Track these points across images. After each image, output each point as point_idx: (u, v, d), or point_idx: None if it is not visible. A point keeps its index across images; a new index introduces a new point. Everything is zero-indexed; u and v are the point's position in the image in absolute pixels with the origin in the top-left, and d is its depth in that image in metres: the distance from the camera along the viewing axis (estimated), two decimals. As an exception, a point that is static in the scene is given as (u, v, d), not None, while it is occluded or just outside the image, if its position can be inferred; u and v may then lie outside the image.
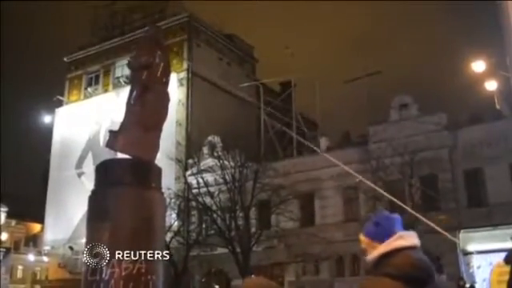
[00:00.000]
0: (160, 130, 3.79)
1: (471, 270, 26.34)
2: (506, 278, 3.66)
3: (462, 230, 26.84)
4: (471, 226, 26.10)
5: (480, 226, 25.69)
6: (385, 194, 20.26)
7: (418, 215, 18.42)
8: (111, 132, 3.73)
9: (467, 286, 21.49)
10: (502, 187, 26.13)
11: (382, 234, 2.70)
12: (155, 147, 3.59)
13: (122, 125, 3.65)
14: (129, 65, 4.10)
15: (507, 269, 3.90)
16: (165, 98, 3.94)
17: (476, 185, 27.63)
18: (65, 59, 46.69)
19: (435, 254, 26.88)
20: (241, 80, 40.31)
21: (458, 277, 23.53)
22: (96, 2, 45.06)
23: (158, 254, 3.18)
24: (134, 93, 3.77)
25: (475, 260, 26.39)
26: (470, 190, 27.71)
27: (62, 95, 46.08)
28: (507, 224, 22.39)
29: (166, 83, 4.03)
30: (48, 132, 44.97)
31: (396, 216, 2.84)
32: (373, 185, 20.24)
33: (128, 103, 3.76)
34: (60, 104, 45.85)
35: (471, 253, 26.58)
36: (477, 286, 24.84)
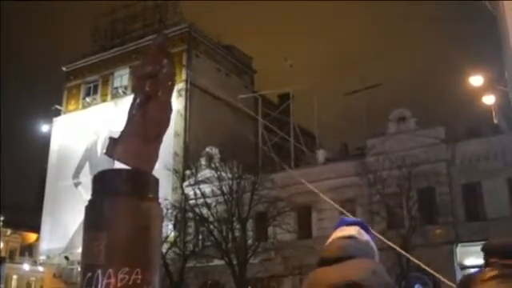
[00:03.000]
0: (160, 141, 3.77)
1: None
2: None
3: (459, 244, 26.83)
4: (468, 240, 26.06)
5: (477, 240, 25.63)
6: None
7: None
8: (111, 139, 3.69)
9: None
10: (499, 201, 26.15)
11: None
12: (154, 158, 3.57)
13: (122, 133, 3.62)
14: (133, 72, 4.07)
15: None
16: (167, 109, 3.91)
17: (474, 199, 27.65)
18: (63, 68, 46.75)
19: (432, 269, 26.93)
20: (239, 91, 40.40)
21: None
22: (96, 11, 45.27)
23: (154, 264, 3.15)
24: (137, 102, 3.74)
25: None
26: (467, 203, 27.72)
27: (60, 105, 46.10)
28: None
29: (170, 94, 3.99)
30: (45, 141, 44.97)
31: (353, 219, 2.96)
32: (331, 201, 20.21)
33: (130, 112, 3.73)
34: (58, 113, 45.86)
35: (468, 267, 26.51)
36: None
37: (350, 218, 3.02)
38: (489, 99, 22.89)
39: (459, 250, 26.83)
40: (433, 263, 26.37)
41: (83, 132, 41.78)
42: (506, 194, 26.12)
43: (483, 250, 3.72)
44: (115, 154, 3.50)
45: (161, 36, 5.06)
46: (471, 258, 26.17)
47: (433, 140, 28.47)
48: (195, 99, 38.81)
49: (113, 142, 3.61)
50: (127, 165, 3.46)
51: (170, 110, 3.87)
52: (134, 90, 3.94)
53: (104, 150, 3.62)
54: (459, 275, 26.52)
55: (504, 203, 26.09)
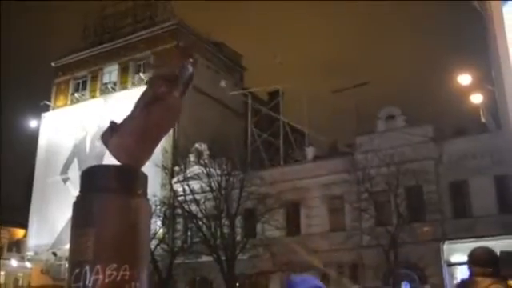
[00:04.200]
0: (157, 143, 3.71)
1: (455, 281, 26.47)
2: None
3: (446, 241, 27.03)
4: (455, 237, 26.27)
5: (464, 237, 25.85)
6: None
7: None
8: (112, 125, 3.63)
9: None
10: (486, 199, 26.36)
11: None
12: (146, 159, 3.55)
13: (121, 126, 3.56)
14: (150, 69, 3.89)
15: None
16: (175, 113, 3.82)
17: (461, 197, 27.85)
18: (52, 64, 46.48)
19: (419, 265, 27.13)
20: (229, 88, 40.39)
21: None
22: (86, 8, 45.05)
23: (142, 261, 3.17)
24: (145, 99, 3.67)
25: (459, 271, 26.52)
26: (454, 201, 27.92)
27: (49, 100, 45.85)
28: (491, 236, 22.52)
29: (181, 97, 3.91)
30: (34, 137, 44.70)
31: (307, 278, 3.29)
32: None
33: (135, 107, 3.65)
34: (46, 109, 45.62)
35: (455, 264, 26.73)
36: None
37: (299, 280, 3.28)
38: (477, 98, 23.03)
39: (446, 247, 27.03)
40: (420, 260, 26.77)
41: (72, 128, 41.59)
42: (493, 192, 26.31)
43: (468, 258, 4.32)
44: (109, 143, 3.47)
45: (187, 40, 4.98)
46: (458, 254, 26.37)
47: (421, 138, 28.63)
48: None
49: (110, 130, 3.55)
50: (117, 160, 3.45)
51: (178, 113, 3.80)
52: (146, 84, 3.85)
53: (101, 135, 3.56)
54: (446, 272, 26.77)
55: (491, 201, 26.30)
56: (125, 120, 3.60)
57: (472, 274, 4.25)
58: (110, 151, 3.48)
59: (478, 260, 4.26)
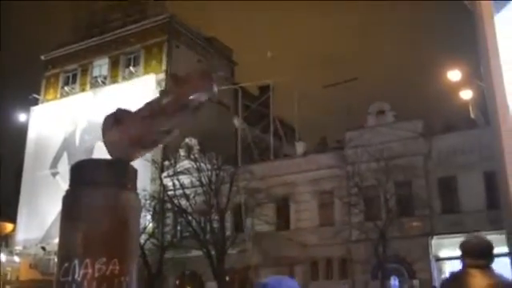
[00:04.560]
0: (152, 148, 3.64)
1: (443, 276, 26.66)
2: None
3: (434, 236, 27.21)
4: (444, 232, 26.44)
5: (452, 232, 26.03)
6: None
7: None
8: (117, 115, 3.48)
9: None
10: (475, 195, 26.52)
11: None
12: (136, 158, 3.49)
13: (127, 120, 3.42)
14: (173, 78, 3.50)
15: None
16: (176, 126, 3.70)
17: (449, 192, 28.02)
18: (42, 57, 46.20)
19: (408, 260, 27.30)
20: (219, 83, 40.25)
21: (430, 285, 23.77)
22: (76, 1, 44.78)
23: (132, 255, 3.16)
24: (155, 105, 3.50)
25: (447, 266, 26.72)
26: (443, 197, 28.09)
27: (38, 93, 45.60)
28: (479, 231, 22.67)
29: (192, 114, 3.79)
30: (23, 131, 44.42)
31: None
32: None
33: (148, 107, 3.50)
34: (36, 102, 45.36)
35: (443, 259, 26.93)
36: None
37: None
38: (466, 94, 23.20)
39: (434, 242, 27.21)
40: (409, 255, 26.93)
41: (61, 121, 41.39)
42: (482, 187, 26.47)
43: (460, 248, 4.03)
44: (107, 134, 3.39)
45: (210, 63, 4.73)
46: (446, 249, 26.58)
47: (410, 133, 28.75)
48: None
49: (114, 119, 3.42)
50: (109, 153, 3.40)
51: (178, 127, 3.69)
52: (162, 92, 3.68)
53: (104, 120, 3.45)
54: (434, 267, 26.95)
55: (479, 197, 26.45)
56: (131, 115, 3.45)
57: (465, 267, 3.95)
58: (105, 142, 3.41)
59: (471, 251, 3.97)
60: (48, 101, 44.95)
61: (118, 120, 3.36)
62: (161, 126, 3.40)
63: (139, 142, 3.35)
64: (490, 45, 4.43)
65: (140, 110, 3.45)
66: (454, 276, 4.12)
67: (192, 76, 3.54)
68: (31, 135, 43.75)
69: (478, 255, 3.90)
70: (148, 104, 3.48)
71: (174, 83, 3.50)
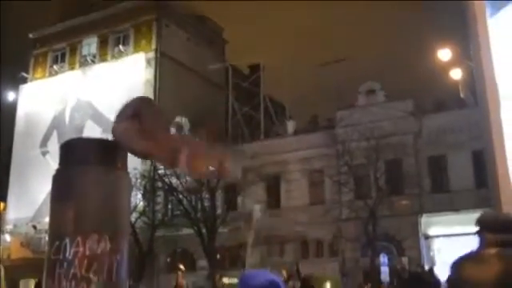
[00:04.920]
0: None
1: (432, 254, 26.98)
2: None
3: (423, 215, 27.46)
4: (433, 210, 26.70)
5: (441, 210, 26.31)
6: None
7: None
8: (135, 109, 3.28)
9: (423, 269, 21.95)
10: (464, 174, 26.74)
11: None
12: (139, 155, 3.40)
13: (142, 122, 3.22)
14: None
15: None
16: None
17: (439, 171, 28.25)
18: (30, 35, 45.70)
19: (397, 238, 27.57)
20: (210, 61, 40.11)
21: (419, 263, 23.98)
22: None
23: (123, 233, 3.17)
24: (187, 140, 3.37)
25: (436, 244, 27.03)
26: (433, 175, 28.31)
27: (27, 72, 45.19)
28: (468, 209, 22.90)
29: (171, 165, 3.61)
30: (12, 109, 44.08)
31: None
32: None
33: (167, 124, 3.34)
34: (24, 81, 44.98)
35: (432, 237, 27.22)
36: (436, 268, 25.43)
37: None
38: (456, 73, 23.21)
39: (424, 220, 27.47)
40: (398, 233, 27.19)
41: (51, 100, 41.12)
42: (471, 166, 26.68)
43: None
44: (118, 126, 3.26)
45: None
46: (435, 227, 26.87)
47: (401, 113, 28.85)
48: (165, 69, 38.45)
49: (131, 113, 3.24)
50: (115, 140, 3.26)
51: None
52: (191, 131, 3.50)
53: (121, 108, 3.26)
54: (423, 244, 27.25)
55: (468, 176, 26.68)
56: (149, 121, 3.24)
57: (483, 244, 3.34)
58: (113, 132, 3.29)
59: (491, 225, 3.37)
60: (37, 79, 44.58)
61: (134, 116, 3.16)
62: (174, 151, 3.22)
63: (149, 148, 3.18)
64: (479, 26, 4.44)
65: (164, 121, 3.27)
66: (471, 255, 3.47)
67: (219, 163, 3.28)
68: (20, 114, 43.48)
69: (498, 229, 3.32)
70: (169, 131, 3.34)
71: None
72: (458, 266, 3.40)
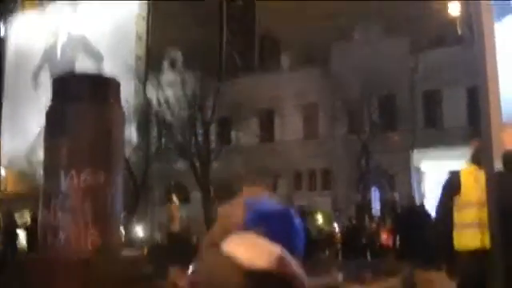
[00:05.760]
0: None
1: (423, 188, 27.35)
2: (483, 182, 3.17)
3: (415, 150, 27.66)
4: (425, 146, 26.87)
5: (434, 145, 26.46)
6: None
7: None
8: None
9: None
10: (458, 110, 26.77)
11: None
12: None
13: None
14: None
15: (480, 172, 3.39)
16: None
17: (433, 106, 28.26)
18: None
19: (389, 172, 27.88)
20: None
21: (410, 197, 24.28)
22: None
23: (117, 166, 3.20)
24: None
25: (427, 178, 27.36)
26: (427, 111, 28.35)
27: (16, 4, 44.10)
28: (460, 145, 23.06)
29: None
30: (1, 43, 43.29)
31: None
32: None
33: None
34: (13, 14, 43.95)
35: (424, 172, 27.54)
36: (426, 201, 25.83)
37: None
38: (454, 8, 22.86)
39: (416, 155, 27.68)
40: (390, 167, 27.48)
41: (41, 33, 40.36)
42: (465, 103, 26.68)
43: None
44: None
45: None
46: (427, 162, 27.13)
47: (397, 48, 28.53)
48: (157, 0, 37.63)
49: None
50: None
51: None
52: None
53: None
54: (415, 179, 27.61)
55: (462, 112, 26.70)
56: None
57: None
58: None
59: None
60: (26, 11, 43.58)
61: None
62: None
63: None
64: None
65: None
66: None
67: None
68: (10, 47, 42.78)
69: None
70: None
71: None
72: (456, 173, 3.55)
